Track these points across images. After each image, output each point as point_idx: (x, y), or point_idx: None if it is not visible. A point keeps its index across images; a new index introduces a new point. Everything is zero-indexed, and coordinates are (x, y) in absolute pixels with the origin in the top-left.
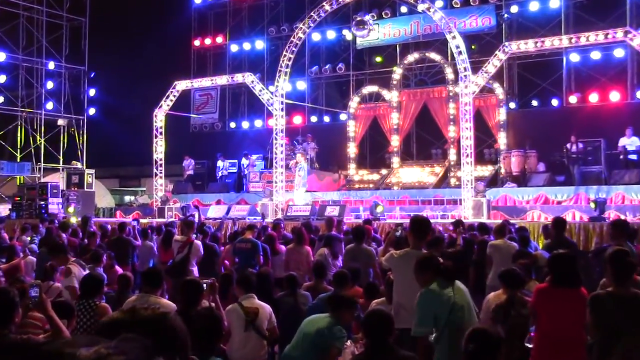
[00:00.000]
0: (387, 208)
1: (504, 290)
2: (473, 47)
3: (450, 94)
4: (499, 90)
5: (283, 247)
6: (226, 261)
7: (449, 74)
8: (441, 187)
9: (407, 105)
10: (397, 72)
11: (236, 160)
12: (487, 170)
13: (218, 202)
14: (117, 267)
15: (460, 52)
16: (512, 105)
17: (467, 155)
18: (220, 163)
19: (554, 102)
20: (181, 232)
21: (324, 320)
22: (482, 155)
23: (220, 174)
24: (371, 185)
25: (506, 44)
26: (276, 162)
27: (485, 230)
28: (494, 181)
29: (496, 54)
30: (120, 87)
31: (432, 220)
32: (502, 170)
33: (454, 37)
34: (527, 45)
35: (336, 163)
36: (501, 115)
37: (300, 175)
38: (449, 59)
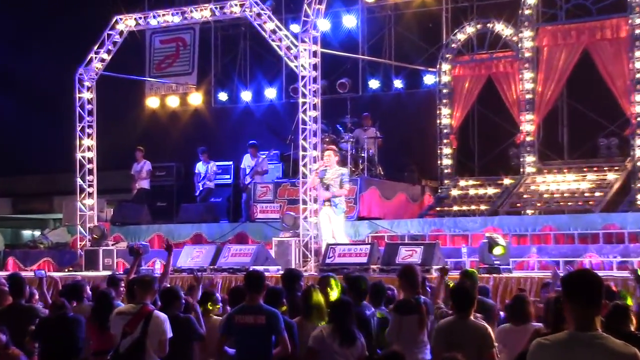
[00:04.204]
0: (515, 249)
1: None
2: None
3: (636, 31)
4: None
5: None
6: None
7: None
8: (619, 211)
9: (551, 57)
10: None
11: (231, 162)
12: None
13: (196, 240)
14: (14, 350)
15: None
16: None
17: None
18: (201, 167)
19: None
20: (129, 298)
21: None
22: None
23: (201, 188)
24: (483, 207)
25: None
26: (304, 164)
27: None
28: None
29: None
30: (13, 31)
31: (602, 273)
32: None
33: None
34: None
35: (417, 166)
36: None
37: (331, 184)
38: None
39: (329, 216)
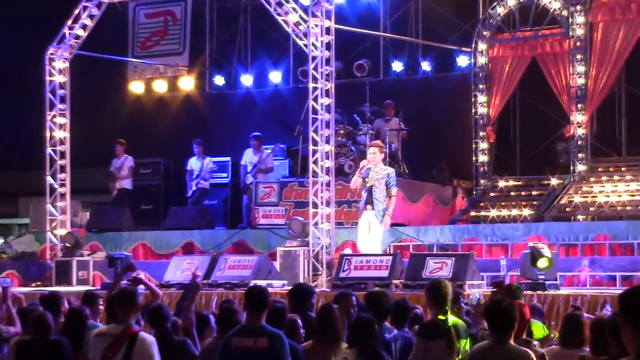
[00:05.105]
0: (563, 261)
1: None
2: None
3: None
4: None
5: None
6: None
7: None
8: None
9: (607, 34)
10: None
11: (229, 158)
12: None
13: (187, 249)
14: None
15: None
16: None
17: None
18: (194, 163)
19: None
20: (108, 317)
21: None
22: None
23: (194, 188)
24: (526, 212)
25: None
26: (314, 161)
27: None
28: None
29: None
30: None
31: None
32: None
33: None
34: None
35: (448, 163)
36: None
37: (374, 185)
38: None
39: (369, 223)
